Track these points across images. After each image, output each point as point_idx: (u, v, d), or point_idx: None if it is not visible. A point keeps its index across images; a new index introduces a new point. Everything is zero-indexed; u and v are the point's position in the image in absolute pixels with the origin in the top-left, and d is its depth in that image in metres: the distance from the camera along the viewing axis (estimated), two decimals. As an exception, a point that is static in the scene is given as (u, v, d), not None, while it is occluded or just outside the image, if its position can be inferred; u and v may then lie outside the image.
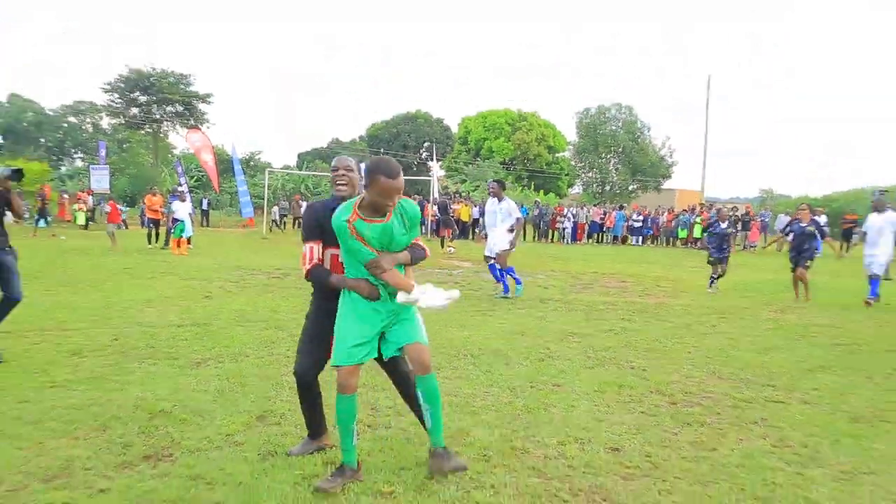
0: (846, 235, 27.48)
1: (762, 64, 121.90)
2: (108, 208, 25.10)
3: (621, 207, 38.30)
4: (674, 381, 6.30)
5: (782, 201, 47.20)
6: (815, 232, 12.58)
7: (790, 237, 12.96)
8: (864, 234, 12.48)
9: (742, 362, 7.12)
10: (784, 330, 9.26)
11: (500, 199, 11.83)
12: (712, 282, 13.93)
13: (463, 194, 42.19)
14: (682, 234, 31.94)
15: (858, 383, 6.41)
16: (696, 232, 30.17)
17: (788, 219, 25.00)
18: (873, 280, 11.70)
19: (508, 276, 11.80)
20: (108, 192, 37.46)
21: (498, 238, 11.71)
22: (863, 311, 11.12)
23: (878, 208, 12.18)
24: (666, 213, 34.51)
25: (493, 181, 12.32)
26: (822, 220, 24.67)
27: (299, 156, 71.13)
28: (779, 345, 8.19)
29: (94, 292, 11.00)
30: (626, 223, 33.93)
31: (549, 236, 34.37)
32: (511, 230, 11.68)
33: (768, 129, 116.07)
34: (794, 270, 12.58)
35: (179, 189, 23.86)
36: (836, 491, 3.92)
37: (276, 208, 36.22)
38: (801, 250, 12.47)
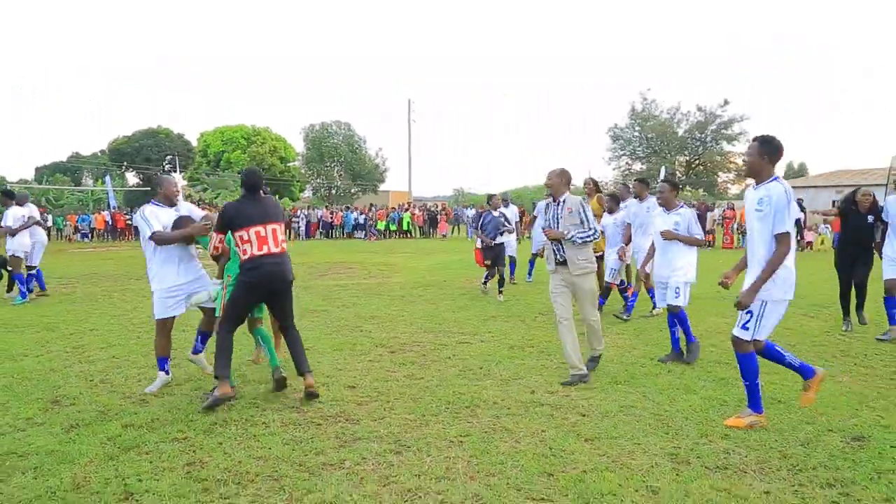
0: None
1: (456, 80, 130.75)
2: None
3: (347, 208, 39.23)
4: (392, 336, 7.22)
5: (473, 197, 51.72)
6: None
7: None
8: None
9: (441, 319, 8.27)
10: (469, 294, 10.71)
11: (641, 200, 8.60)
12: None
13: (207, 201, 40.59)
14: (393, 227, 33.67)
15: (516, 326, 7.84)
16: (405, 225, 32.54)
17: (475, 212, 27.62)
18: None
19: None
20: None
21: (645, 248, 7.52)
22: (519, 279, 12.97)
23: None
24: (378, 211, 36.19)
25: (637, 180, 9.05)
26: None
27: (37, 169, 63.10)
28: (467, 304, 9.55)
29: None
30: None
31: (287, 234, 34.38)
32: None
33: (464, 135, 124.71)
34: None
35: None
36: (499, 391, 5.03)
37: None
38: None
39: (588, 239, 5.28)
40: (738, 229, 24.67)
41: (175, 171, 47.58)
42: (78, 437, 4.14)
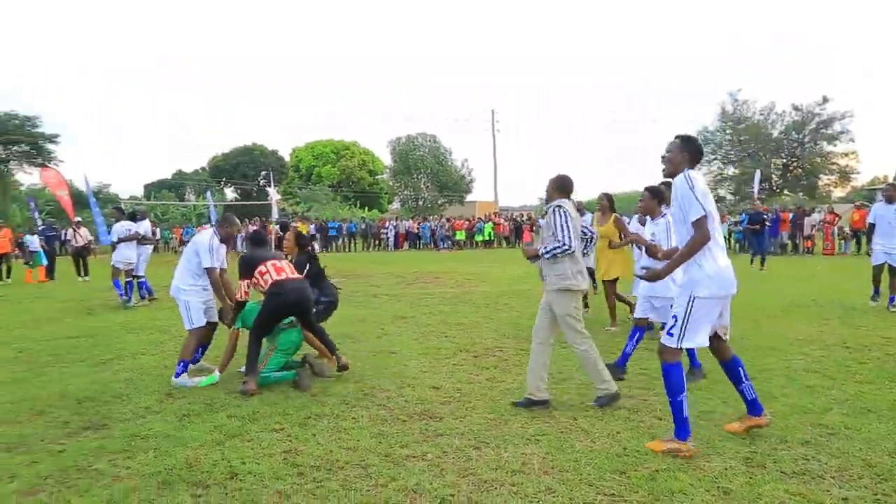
0: None
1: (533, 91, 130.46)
2: None
3: (424, 219, 39.59)
4: (475, 342, 7.46)
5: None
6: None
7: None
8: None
9: (523, 326, 8.43)
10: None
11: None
12: None
13: (300, 214, 42.34)
14: (478, 237, 33.95)
15: (596, 334, 7.90)
16: (486, 235, 32.91)
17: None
18: None
19: None
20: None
21: None
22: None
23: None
24: (468, 222, 36.59)
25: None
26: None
27: (145, 186, 67.42)
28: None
29: (-22, 318, 10.60)
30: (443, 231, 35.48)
31: (376, 245, 35.41)
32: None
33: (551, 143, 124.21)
34: None
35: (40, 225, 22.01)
36: (577, 395, 5.16)
37: None
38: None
39: (555, 253, 4.71)
40: (838, 234, 23.45)
41: (270, 186, 49.83)
42: (189, 425, 4.60)
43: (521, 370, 6.05)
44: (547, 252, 4.75)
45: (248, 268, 5.81)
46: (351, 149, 60.56)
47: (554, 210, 4.79)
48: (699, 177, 3.93)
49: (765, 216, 17.17)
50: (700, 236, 3.75)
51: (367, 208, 54.21)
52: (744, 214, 23.46)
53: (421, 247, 35.08)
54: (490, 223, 34.18)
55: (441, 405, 5.00)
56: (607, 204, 8.27)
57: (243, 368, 5.75)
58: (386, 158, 62.45)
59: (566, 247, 4.68)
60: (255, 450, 4.07)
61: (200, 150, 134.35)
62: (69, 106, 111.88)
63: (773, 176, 45.48)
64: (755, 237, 17.04)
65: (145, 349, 7.42)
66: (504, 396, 5.19)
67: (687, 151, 4.03)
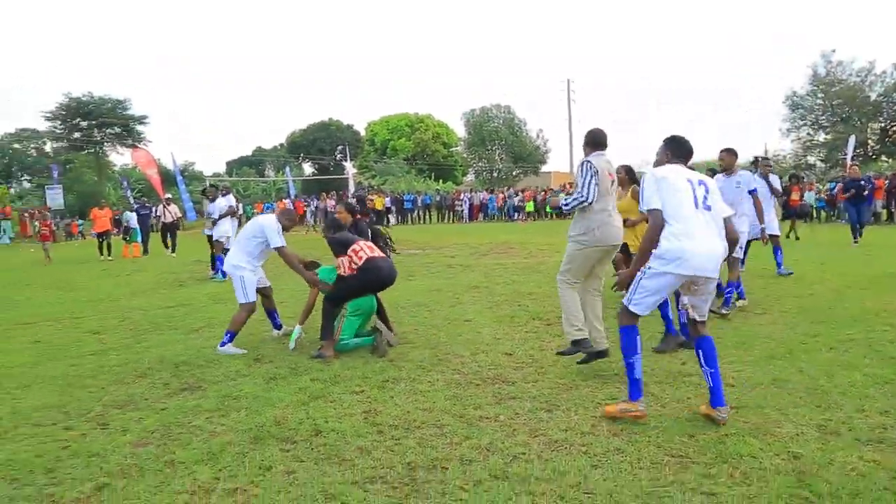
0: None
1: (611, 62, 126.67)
2: (42, 227, 21.84)
3: (491, 192, 39.30)
4: (548, 311, 7.52)
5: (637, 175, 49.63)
6: None
7: None
8: None
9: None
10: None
11: (729, 174, 7.39)
12: None
13: (375, 187, 43.05)
14: (549, 208, 33.47)
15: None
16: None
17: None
18: None
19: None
20: (63, 208, 36.54)
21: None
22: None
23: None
24: (542, 193, 36.30)
25: (725, 150, 7.36)
26: None
27: (227, 163, 70.01)
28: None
29: (82, 290, 11.46)
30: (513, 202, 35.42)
31: (450, 217, 35.70)
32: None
33: (627, 112, 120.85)
34: None
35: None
36: (648, 362, 5.19)
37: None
38: None
39: (573, 205, 4.86)
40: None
41: (346, 160, 50.84)
42: (276, 387, 4.91)
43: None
44: (566, 204, 4.93)
45: (342, 246, 6.12)
46: (425, 122, 60.85)
47: (581, 164, 4.91)
48: (660, 171, 3.99)
49: (863, 182, 15.92)
50: (651, 226, 3.87)
51: (441, 181, 54.53)
52: (834, 182, 22.22)
53: (494, 218, 35.13)
54: (563, 193, 33.71)
55: (513, 370, 5.13)
56: (626, 177, 7.05)
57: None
58: (460, 130, 62.50)
59: (584, 199, 4.79)
60: (337, 410, 4.32)
61: (279, 127, 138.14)
62: (156, 86, 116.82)
63: (870, 141, 42.69)
64: (853, 206, 15.75)
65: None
66: (575, 363, 5.27)
67: (668, 150, 4.21)
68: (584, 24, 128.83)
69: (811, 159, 44.97)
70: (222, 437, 3.91)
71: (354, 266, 5.97)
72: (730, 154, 7.30)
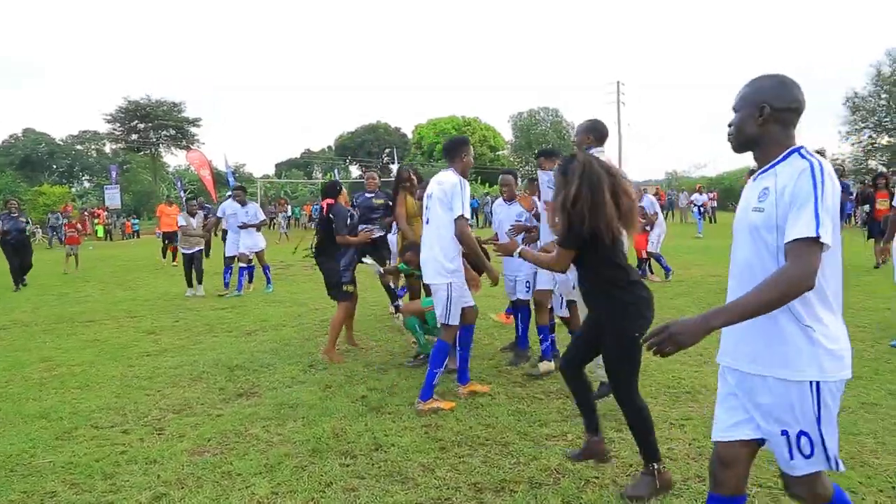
0: None
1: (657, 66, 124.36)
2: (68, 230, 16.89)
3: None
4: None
5: (686, 181, 48.47)
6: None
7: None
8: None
9: (659, 307, 8.09)
10: (687, 282, 10.35)
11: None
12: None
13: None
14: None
15: None
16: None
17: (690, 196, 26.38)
18: None
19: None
20: (119, 207, 37.54)
21: None
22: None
23: None
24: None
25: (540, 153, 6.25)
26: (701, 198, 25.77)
27: (276, 166, 71.07)
28: (685, 291, 9.26)
29: (139, 288, 11.62)
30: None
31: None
32: None
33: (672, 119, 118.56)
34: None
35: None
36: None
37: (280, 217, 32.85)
38: None
39: None
40: None
41: (393, 163, 51.00)
42: (332, 396, 4.79)
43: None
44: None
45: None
46: (472, 125, 60.74)
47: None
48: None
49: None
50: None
51: (488, 184, 54.31)
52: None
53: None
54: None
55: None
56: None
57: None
58: (507, 134, 62.20)
59: None
60: (396, 423, 4.17)
61: (327, 130, 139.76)
62: (208, 89, 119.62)
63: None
64: None
65: (285, 321, 7.82)
66: (643, 378, 4.94)
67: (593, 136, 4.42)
68: (634, 26, 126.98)
69: (872, 163, 43.12)
70: (279, 447, 3.80)
71: None
72: None
